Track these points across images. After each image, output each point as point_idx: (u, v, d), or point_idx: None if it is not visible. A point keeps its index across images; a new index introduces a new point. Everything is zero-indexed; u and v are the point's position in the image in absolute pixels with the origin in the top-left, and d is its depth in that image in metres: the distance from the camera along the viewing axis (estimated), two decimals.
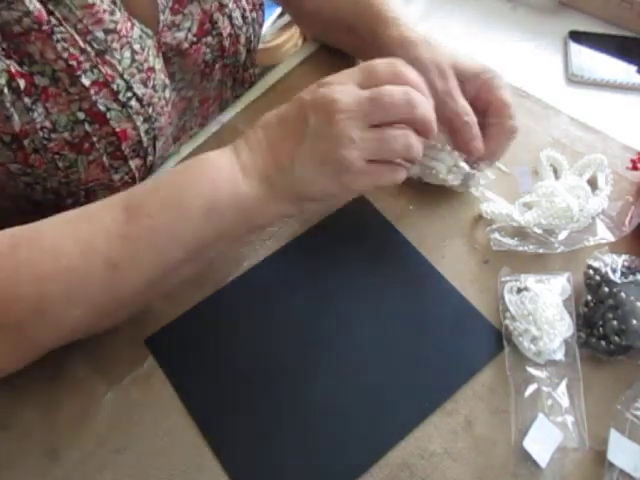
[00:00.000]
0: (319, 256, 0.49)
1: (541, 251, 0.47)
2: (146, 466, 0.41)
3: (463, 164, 0.50)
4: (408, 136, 0.40)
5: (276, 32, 1.33)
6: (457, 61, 0.49)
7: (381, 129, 0.39)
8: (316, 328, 0.46)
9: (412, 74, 0.41)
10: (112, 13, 0.45)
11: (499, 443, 0.41)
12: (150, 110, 0.49)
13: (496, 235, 0.48)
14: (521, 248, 0.48)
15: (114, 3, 0.45)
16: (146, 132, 0.50)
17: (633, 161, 0.52)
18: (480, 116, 0.49)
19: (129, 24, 0.46)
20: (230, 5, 0.54)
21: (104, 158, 0.48)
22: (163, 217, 0.39)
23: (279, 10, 1.28)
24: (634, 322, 0.42)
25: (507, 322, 0.44)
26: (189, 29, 0.51)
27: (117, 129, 0.47)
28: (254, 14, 0.58)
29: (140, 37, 0.47)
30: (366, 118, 0.38)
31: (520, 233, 0.49)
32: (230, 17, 0.54)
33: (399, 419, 0.42)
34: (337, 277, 0.48)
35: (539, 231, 0.48)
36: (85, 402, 0.43)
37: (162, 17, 0.49)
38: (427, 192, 0.52)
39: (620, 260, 0.45)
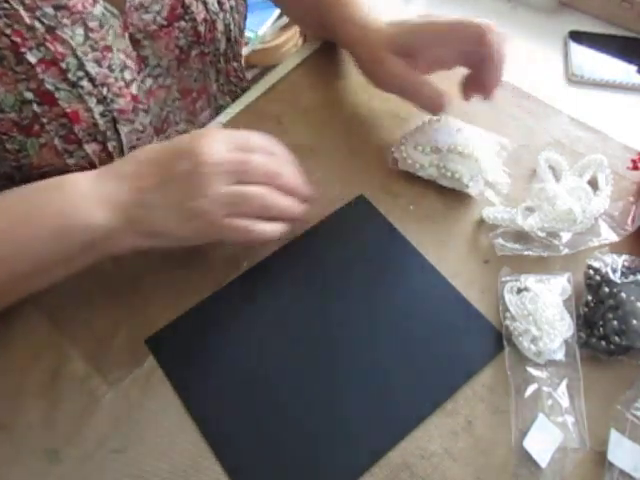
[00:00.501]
0: (319, 256, 0.49)
1: (546, 254, 0.47)
2: (146, 466, 0.41)
3: (488, 174, 0.51)
4: (265, 196, 0.42)
5: (276, 32, 1.33)
6: (393, 42, 0.50)
7: (238, 187, 0.41)
8: (316, 328, 0.46)
9: (281, 150, 0.45)
10: None
11: (499, 443, 0.41)
12: (105, 91, 0.48)
13: (500, 240, 0.48)
14: (526, 252, 0.48)
15: None
16: (102, 114, 0.48)
17: (633, 161, 0.52)
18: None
19: (90, 0, 0.46)
20: None
21: (56, 141, 0.47)
22: (10, 230, 0.40)
23: (279, 10, 1.28)
24: (634, 322, 0.42)
25: (507, 322, 0.44)
26: (158, 12, 0.50)
27: (68, 110, 0.46)
28: (233, 1, 0.57)
29: (103, 15, 0.47)
30: (228, 176, 0.41)
31: (523, 237, 0.48)
32: (205, 2, 0.53)
33: (399, 419, 0.42)
34: (337, 277, 0.48)
35: (542, 234, 0.48)
36: (85, 402, 0.43)
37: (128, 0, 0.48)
38: (428, 192, 0.53)
39: (620, 260, 0.45)
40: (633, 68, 0.64)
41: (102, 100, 0.48)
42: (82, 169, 0.49)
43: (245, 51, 1.30)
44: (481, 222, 0.51)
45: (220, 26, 0.56)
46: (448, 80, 0.57)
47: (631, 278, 0.44)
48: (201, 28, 0.54)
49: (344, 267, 0.49)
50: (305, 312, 0.47)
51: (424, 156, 0.51)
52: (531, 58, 0.65)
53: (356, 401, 0.43)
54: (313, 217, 0.51)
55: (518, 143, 0.55)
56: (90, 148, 0.50)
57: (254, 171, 0.42)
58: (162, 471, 0.40)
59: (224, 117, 0.59)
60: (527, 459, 0.40)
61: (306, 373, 0.44)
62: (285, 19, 1.31)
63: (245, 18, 0.62)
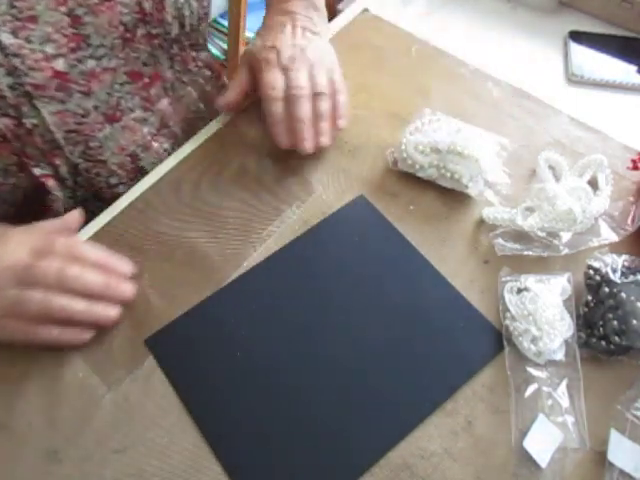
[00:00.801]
0: (319, 256, 0.49)
1: (546, 254, 0.47)
2: (146, 466, 0.41)
3: (488, 174, 0.51)
4: (46, 300, 0.42)
5: None
6: (243, 60, 0.57)
7: (19, 291, 0.42)
8: (316, 328, 0.46)
9: (91, 254, 0.46)
10: None
11: (499, 443, 0.41)
12: (18, 62, 0.46)
13: (500, 240, 0.48)
14: (526, 252, 0.48)
15: None
16: (11, 87, 0.47)
17: (633, 161, 0.52)
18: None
19: None
20: None
21: None
22: None
23: None
24: (634, 322, 0.42)
25: (507, 322, 0.44)
26: None
27: None
28: None
29: None
30: (13, 279, 0.42)
31: (524, 237, 0.49)
32: None
33: (399, 419, 0.42)
34: (337, 277, 0.48)
35: (542, 234, 0.48)
36: (85, 402, 0.43)
37: None
38: (427, 192, 0.53)
39: (620, 260, 0.45)
40: (633, 68, 0.63)
41: (12, 72, 0.46)
42: None
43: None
44: (481, 222, 0.51)
45: (169, 7, 0.54)
46: (451, 86, 0.58)
47: (631, 278, 0.44)
48: (146, 5, 0.52)
49: (344, 267, 0.49)
50: (305, 312, 0.47)
51: (424, 156, 0.51)
52: (531, 58, 0.65)
53: (356, 401, 0.43)
54: (313, 217, 0.51)
55: (518, 143, 0.55)
56: (1, 122, 0.48)
57: (41, 276, 0.43)
58: (162, 471, 0.41)
59: (224, 118, 0.59)
60: (527, 459, 0.40)
61: (306, 373, 0.44)
62: None
63: (207, 3, 0.60)
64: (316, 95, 0.54)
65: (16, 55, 0.46)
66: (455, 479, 0.40)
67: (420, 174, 0.52)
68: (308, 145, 0.53)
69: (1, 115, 0.48)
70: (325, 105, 0.54)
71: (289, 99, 0.54)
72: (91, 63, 0.51)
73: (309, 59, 0.57)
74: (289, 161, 0.55)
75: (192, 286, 0.48)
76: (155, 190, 0.54)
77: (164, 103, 0.61)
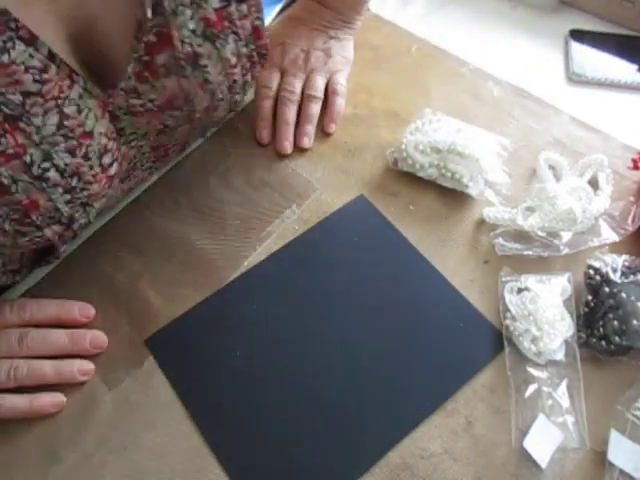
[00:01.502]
0: (319, 256, 0.49)
1: (546, 254, 0.47)
2: (146, 466, 0.41)
3: (488, 174, 0.51)
4: (15, 367, 0.42)
5: None
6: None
7: None
8: (315, 328, 0.46)
9: (43, 311, 0.45)
10: (43, 71, 0.36)
11: (499, 443, 0.41)
12: (75, 181, 0.41)
13: (500, 240, 0.48)
14: (526, 252, 0.48)
15: (51, 57, 0.36)
16: (68, 202, 0.42)
17: (634, 160, 0.52)
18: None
19: (68, 82, 0.38)
20: (217, 78, 0.45)
21: (6, 225, 0.40)
22: None
23: (279, 7, 1.28)
24: (634, 322, 0.42)
25: (507, 322, 0.44)
26: (152, 100, 0.43)
27: (24, 201, 0.39)
28: (248, 77, 0.49)
29: (80, 97, 0.39)
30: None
31: (524, 237, 0.48)
32: (212, 92, 0.46)
33: (399, 419, 0.42)
34: (337, 277, 0.48)
35: (542, 234, 0.48)
36: (85, 402, 0.43)
37: (122, 84, 0.41)
38: (428, 192, 0.53)
39: (620, 260, 0.45)
40: (634, 67, 0.63)
41: (70, 190, 0.42)
42: (37, 244, 0.44)
43: None
44: (481, 222, 0.51)
45: (222, 108, 0.49)
46: (451, 85, 0.57)
47: (631, 278, 0.44)
48: (198, 114, 0.47)
49: (344, 267, 0.49)
50: (304, 312, 0.47)
51: (424, 156, 0.51)
52: (532, 57, 0.64)
53: (356, 401, 0.43)
54: (313, 217, 0.51)
55: (518, 143, 0.55)
56: (50, 231, 0.43)
57: (4, 344, 0.43)
58: (162, 471, 0.41)
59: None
60: (527, 459, 0.40)
61: (306, 373, 0.44)
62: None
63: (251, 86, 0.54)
64: (307, 97, 0.56)
65: (73, 175, 0.42)
66: (455, 479, 0.40)
67: (420, 174, 0.52)
68: (286, 145, 0.55)
69: (53, 223, 0.43)
70: (315, 108, 0.56)
71: (279, 100, 0.56)
72: (122, 148, 0.46)
73: (311, 64, 0.57)
74: (289, 161, 0.55)
75: (192, 286, 0.48)
76: (155, 190, 0.54)
77: (178, 156, 0.58)
